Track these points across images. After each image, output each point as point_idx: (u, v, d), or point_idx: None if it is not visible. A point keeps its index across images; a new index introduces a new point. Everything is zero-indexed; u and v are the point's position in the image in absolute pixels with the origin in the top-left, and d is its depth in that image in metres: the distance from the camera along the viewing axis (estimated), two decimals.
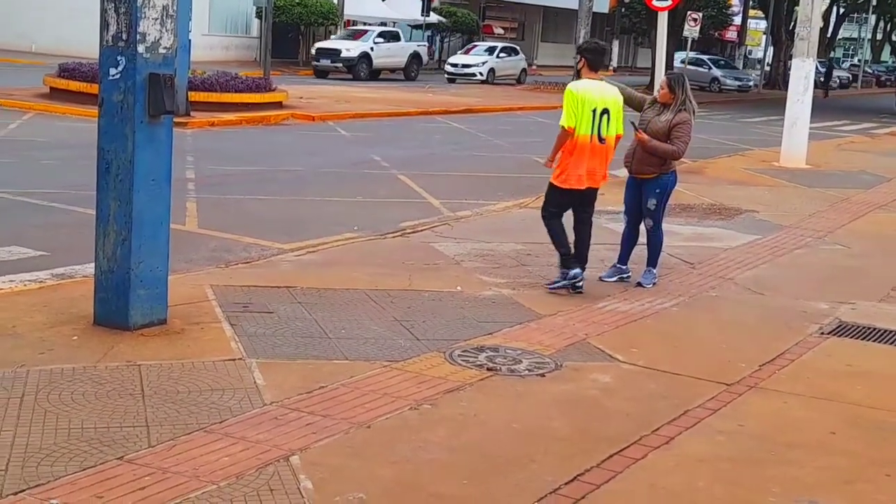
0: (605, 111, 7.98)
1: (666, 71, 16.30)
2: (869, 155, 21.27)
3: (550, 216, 8.21)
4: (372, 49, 38.94)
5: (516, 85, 41.96)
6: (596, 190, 8.26)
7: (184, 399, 5.34)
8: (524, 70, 44.95)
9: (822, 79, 44.58)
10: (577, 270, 8.10)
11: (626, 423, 5.44)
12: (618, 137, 8.16)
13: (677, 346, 6.98)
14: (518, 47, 46.79)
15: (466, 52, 44.86)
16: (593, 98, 7.96)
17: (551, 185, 8.20)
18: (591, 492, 4.57)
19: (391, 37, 41.02)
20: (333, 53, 38.10)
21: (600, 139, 8.00)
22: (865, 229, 12.09)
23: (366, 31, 40.38)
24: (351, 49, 38.21)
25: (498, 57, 43.39)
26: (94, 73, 19.05)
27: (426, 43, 45.92)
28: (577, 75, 8.22)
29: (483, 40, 49.95)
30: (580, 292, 8.11)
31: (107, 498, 4.18)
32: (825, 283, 9.21)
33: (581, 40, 39.08)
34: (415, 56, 41.73)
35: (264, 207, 11.73)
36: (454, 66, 42.58)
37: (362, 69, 38.18)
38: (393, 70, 40.58)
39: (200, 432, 4.93)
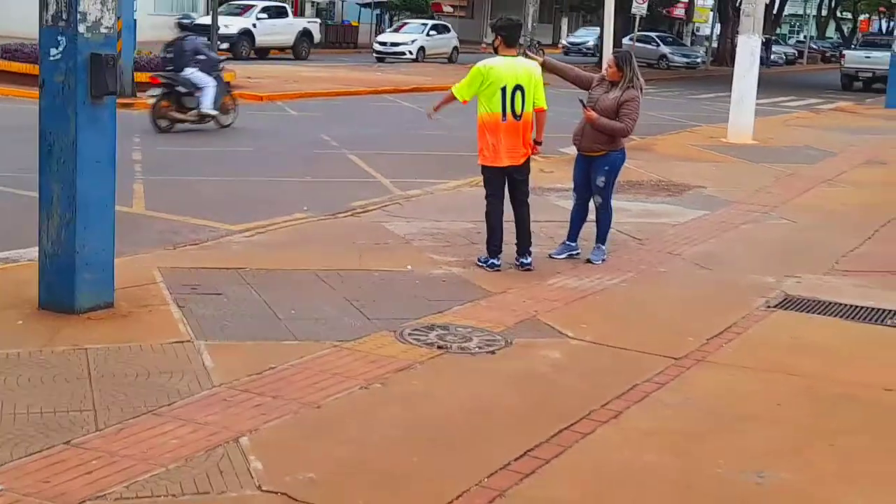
0: (518, 87, 7.92)
1: (613, 48, 16.37)
2: (814, 130, 21.51)
3: (489, 198, 8.20)
4: (254, 26, 35.87)
5: (448, 64, 40.30)
6: (521, 168, 8.19)
7: (132, 382, 5.30)
8: (456, 48, 42.99)
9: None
10: (495, 261, 8.11)
11: (576, 399, 5.48)
12: (539, 111, 8.10)
13: (626, 322, 7.04)
14: (449, 25, 45.06)
15: (396, 31, 43.22)
16: (502, 75, 7.90)
17: (480, 166, 8.23)
18: (540, 466, 4.61)
19: (277, 12, 37.84)
20: (209, 30, 32.55)
21: (515, 116, 7.95)
22: (811, 203, 12.24)
23: (251, 7, 37.13)
24: (230, 25, 33.74)
25: (428, 35, 41.73)
26: (37, 54, 18.75)
27: (318, 20, 43.42)
28: (495, 52, 8.18)
29: (436, 18, 49.52)
30: (529, 270, 8.14)
31: (54, 482, 4.14)
32: (772, 257, 9.32)
33: (530, 17, 39.12)
34: (305, 34, 38.54)
35: (213, 188, 11.63)
36: (383, 44, 40.82)
37: (243, 48, 34.88)
38: (281, 49, 37.51)
39: (149, 415, 4.89)
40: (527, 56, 8.51)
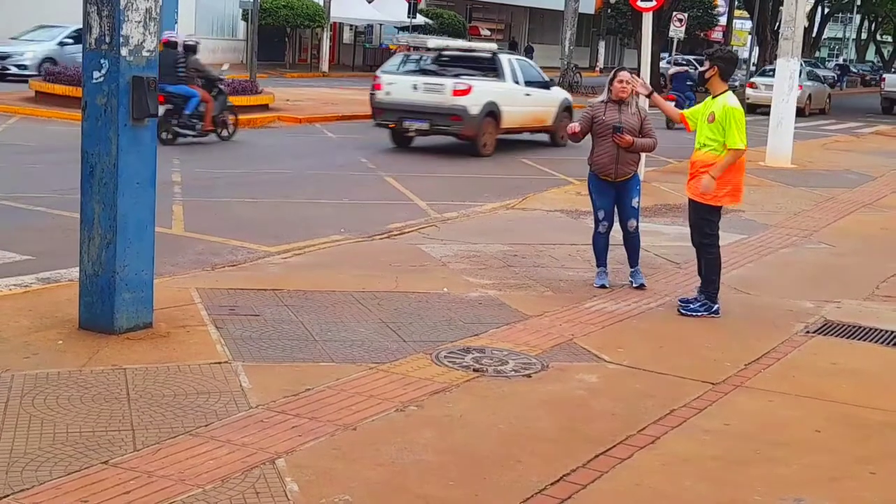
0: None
1: (651, 71, 16.33)
2: (853, 154, 21.34)
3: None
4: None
5: None
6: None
7: (169, 402, 5.33)
8: None
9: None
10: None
11: (612, 423, 5.45)
12: (731, 151, 8.02)
13: (663, 346, 7.00)
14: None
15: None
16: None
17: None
18: (576, 492, 4.58)
19: None
20: None
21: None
22: (850, 228, 12.13)
23: None
24: None
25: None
26: (79, 76, 18.98)
27: None
28: (703, 82, 8.02)
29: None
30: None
31: (91, 502, 4.17)
32: (811, 281, 9.24)
33: (567, 41, 38.97)
34: None
35: (251, 210, 11.71)
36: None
37: None
38: None
39: (186, 436, 4.92)
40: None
